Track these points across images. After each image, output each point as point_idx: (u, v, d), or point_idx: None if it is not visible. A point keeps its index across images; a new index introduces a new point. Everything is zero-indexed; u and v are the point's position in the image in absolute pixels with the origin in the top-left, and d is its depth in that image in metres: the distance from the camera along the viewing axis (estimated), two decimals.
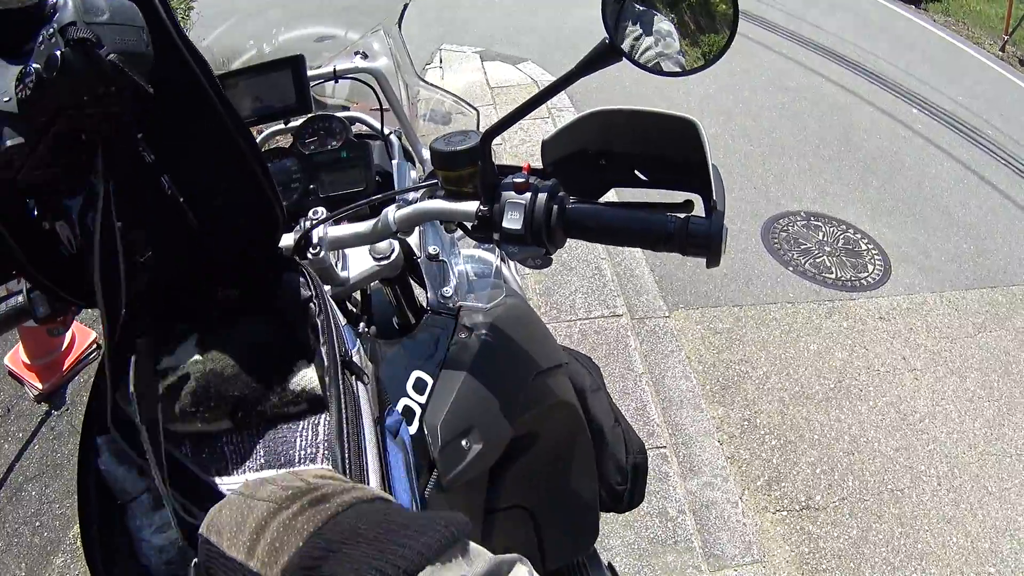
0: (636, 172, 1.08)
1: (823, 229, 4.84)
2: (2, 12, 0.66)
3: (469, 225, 1.06)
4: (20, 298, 1.06)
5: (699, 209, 0.98)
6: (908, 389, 3.60)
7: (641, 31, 0.99)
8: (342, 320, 0.90)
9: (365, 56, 1.66)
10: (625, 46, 0.94)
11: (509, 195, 1.01)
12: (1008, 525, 3.01)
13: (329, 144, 1.57)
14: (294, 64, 1.39)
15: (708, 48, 1.02)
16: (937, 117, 7.13)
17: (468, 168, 1.05)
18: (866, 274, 4.42)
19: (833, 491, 3.03)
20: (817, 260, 4.48)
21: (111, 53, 0.63)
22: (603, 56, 0.91)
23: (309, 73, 1.44)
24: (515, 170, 1.07)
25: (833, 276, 4.35)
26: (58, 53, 0.62)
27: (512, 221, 0.99)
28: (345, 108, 1.82)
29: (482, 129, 1.13)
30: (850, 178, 5.62)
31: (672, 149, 1.01)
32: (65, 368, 3.49)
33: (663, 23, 1.01)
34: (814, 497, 3.00)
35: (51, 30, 0.64)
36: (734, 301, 4.06)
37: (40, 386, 3.38)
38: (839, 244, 4.69)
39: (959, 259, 4.80)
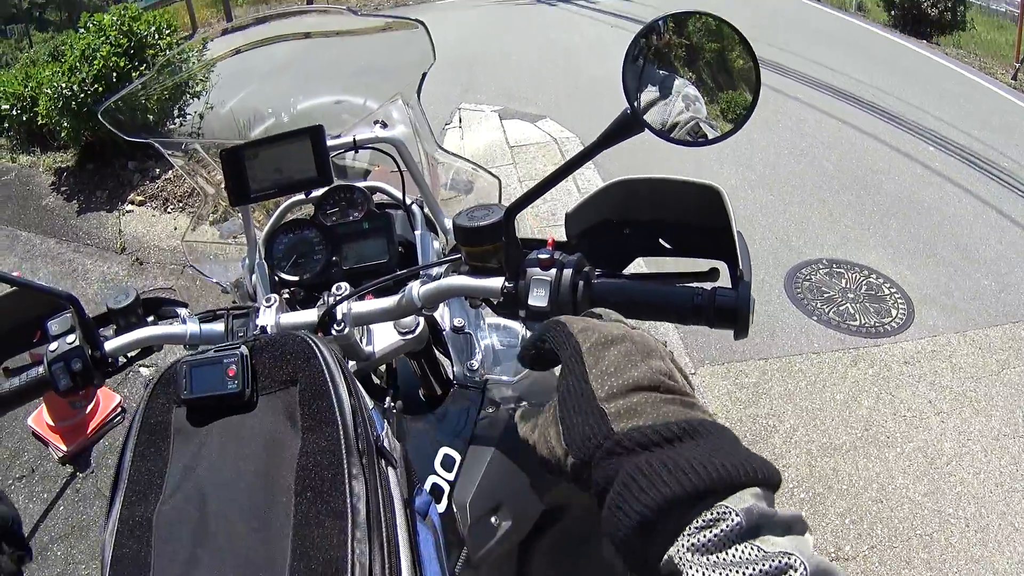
0: (661, 240, 1.08)
1: (846, 276, 4.93)
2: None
3: (495, 301, 1.06)
4: (41, 369, 1.12)
5: (725, 276, 1.00)
6: (935, 433, 3.66)
7: (661, 96, 0.97)
8: (369, 402, 0.90)
9: (385, 125, 1.65)
10: (648, 115, 0.93)
11: (534, 271, 1.00)
12: None
13: (351, 215, 1.58)
14: (314, 134, 1.34)
15: (727, 106, 0.99)
16: (953, 153, 7.21)
17: (492, 243, 1.04)
18: (890, 319, 4.50)
19: (862, 540, 3.10)
20: (841, 308, 4.57)
21: None
22: (626, 127, 0.90)
23: (329, 143, 1.40)
24: (539, 244, 1.07)
25: (857, 323, 4.43)
26: None
27: (538, 298, 0.98)
28: (367, 172, 1.87)
29: (504, 201, 1.18)
30: (870, 222, 5.72)
31: (696, 216, 1.02)
32: (90, 431, 3.62)
33: (686, 87, 0.99)
34: (843, 547, 3.07)
35: None
36: (760, 354, 4.15)
37: (64, 448, 3.51)
38: (862, 290, 4.77)
39: (981, 296, 4.85)
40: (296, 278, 1.53)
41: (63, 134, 6.39)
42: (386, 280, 1.18)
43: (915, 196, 6.25)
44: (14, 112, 7.07)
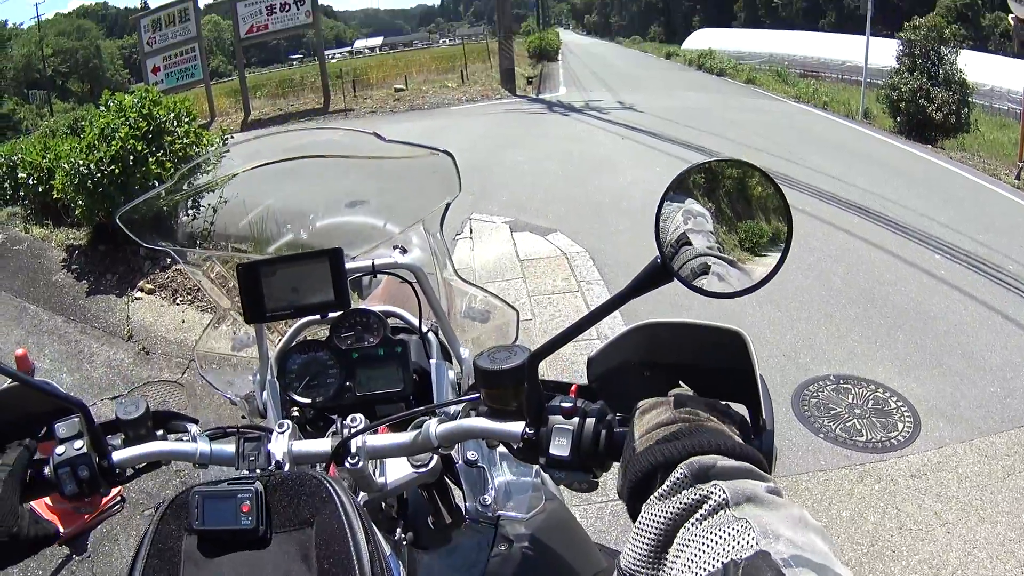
0: (681, 383, 1.07)
1: (852, 391, 5.17)
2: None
3: (514, 446, 1.06)
4: (47, 470, 1.10)
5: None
6: (940, 544, 3.80)
7: (691, 242, 1.00)
8: (386, 548, 0.94)
9: (404, 251, 1.67)
10: (676, 262, 0.96)
11: (556, 419, 1.01)
12: None
13: (366, 340, 1.58)
14: (333, 257, 1.35)
15: (745, 235, 1.03)
16: (959, 260, 7.53)
17: (514, 387, 1.04)
18: (896, 433, 4.70)
19: None
20: (847, 424, 4.78)
21: None
22: (655, 277, 0.93)
23: (347, 265, 1.40)
24: (561, 387, 1.10)
25: (864, 439, 4.63)
26: None
27: (560, 448, 0.99)
28: (377, 275, 1.86)
29: (522, 334, 1.30)
30: (877, 335, 6.00)
31: (718, 360, 1.03)
32: (88, 516, 3.79)
33: (691, 203, 1.01)
34: None
35: None
36: None
37: (62, 529, 3.60)
38: (869, 405, 4.99)
39: (987, 404, 5.05)
40: (308, 400, 1.55)
41: (77, 212, 6.51)
42: (402, 416, 1.19)
43: (922, 306, 6.54)
44: (31, 182, 7.24)
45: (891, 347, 5.81)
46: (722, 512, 0.75)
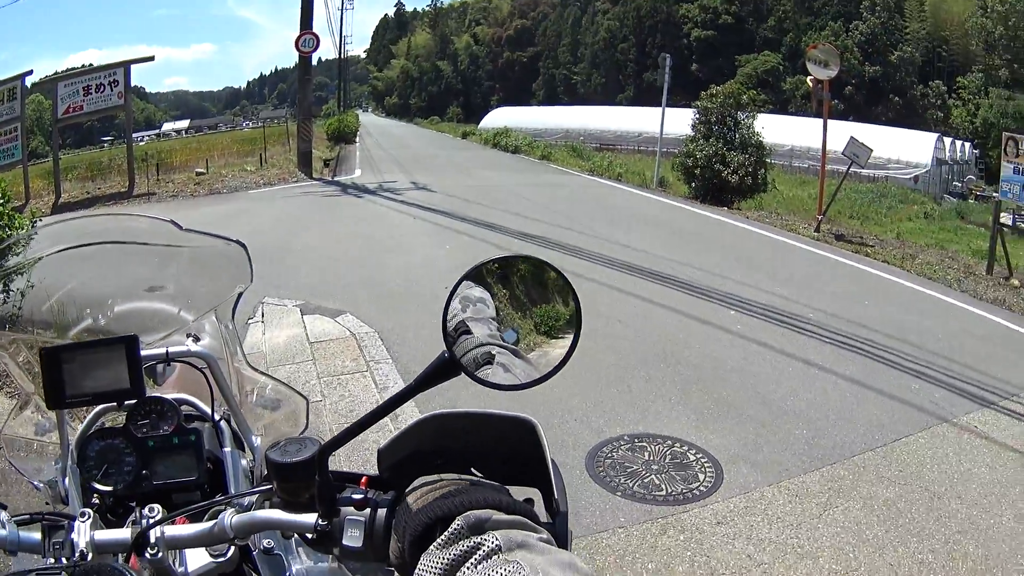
0: (472, 470, 1.24)
1: (648, 448, 5.54)
2: None
3: (309, 536, 1.19)
4: None
5: (539, 504, 1.16)
6: None
7: (471, 330, 1.16)
8: None
9: (197, 339, 1.86)
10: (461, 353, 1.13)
11: (348, 511, 1.15)
12: None
13: (161, 428, 1.74)
14: (128, 344, 1.49)
15: (541, 319, 1.23)
16: (756, 314, 8.36)
17: (305, 480, 1.18)
18: (697, 484, 5.07)
19: None
20: (645, 480, 5.11)
21: None
22: (443, 370, 1.10)
23: (143, 352, 1.56)
24: (353, 478, 1.24)
25: (663, 492, 4.96)
26: None
27: (352, 539, 1.13)
28: (171, 363, 1.97)
29: (312, 417, 1.48)
30: (671, 394, 6.51)
31: (509, 447, 1.20)
32: None
33: (468, 288, 1.19)
34: None
35: None
36: None
37: None
38: (666, 460, 5.38)
39: (793, 447, 5.58)
40: (108, 488, 1.69)
41: None
42: (199, 507, 1.34)
43: (717, 362, 7.19)
44: None
45: (685, 403, 6.32)
46: (496, 556, 0.92)
